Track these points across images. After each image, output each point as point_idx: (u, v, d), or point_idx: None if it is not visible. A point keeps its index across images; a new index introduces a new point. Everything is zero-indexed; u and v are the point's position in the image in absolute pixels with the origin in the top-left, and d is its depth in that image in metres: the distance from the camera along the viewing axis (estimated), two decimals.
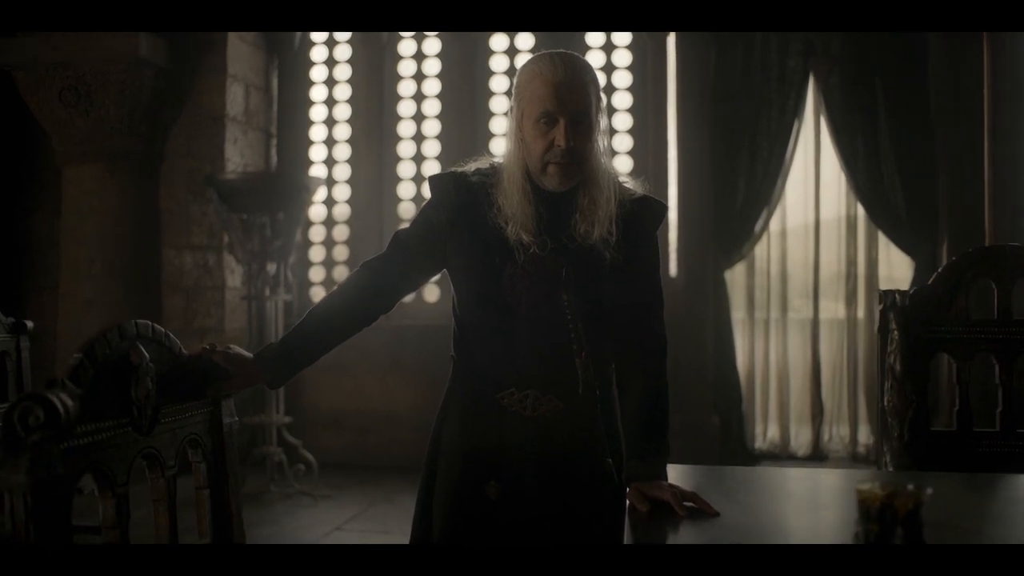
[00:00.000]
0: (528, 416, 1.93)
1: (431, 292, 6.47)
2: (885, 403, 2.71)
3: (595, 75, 1.94)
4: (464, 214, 1.95)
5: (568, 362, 1.89)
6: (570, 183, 1.91)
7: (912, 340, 2.68)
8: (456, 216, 1.96)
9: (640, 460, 1.88)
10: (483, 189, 1.95)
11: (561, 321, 1.89)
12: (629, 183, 2.02)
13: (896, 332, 2.69)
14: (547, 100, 1.86)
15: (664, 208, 2.04)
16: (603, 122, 1.94)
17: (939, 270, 2.74)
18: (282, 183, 5.62)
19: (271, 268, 5.56)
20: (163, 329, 1.64)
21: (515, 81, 1.94)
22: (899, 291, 2.73)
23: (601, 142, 1.94)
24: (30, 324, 3.36)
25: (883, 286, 6.09)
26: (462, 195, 1.96)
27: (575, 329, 1.88)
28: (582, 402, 1.91)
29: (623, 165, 6.13)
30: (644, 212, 1.99)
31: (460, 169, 2.01)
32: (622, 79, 6.24)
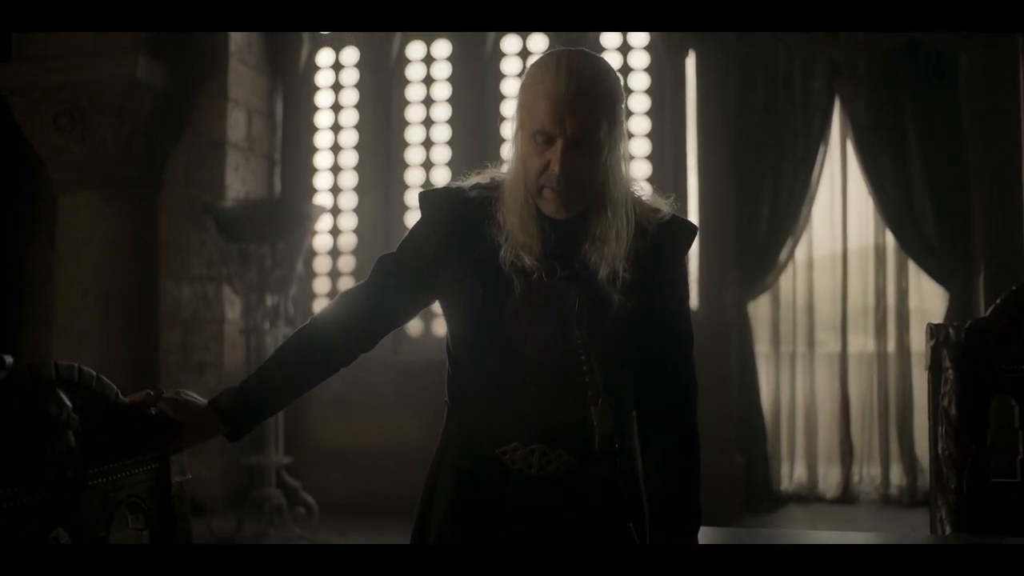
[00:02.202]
0: (534, 475, 1.63)
1: (441, 325, 6.21)
2: (940, 451, 2.42)
3: (613, 83, 1.62)
4: (459, 236, 1.67)
5: (582, 411, 1.59)
6: (570, 211, 1.64)
7: (969, 380, 2.38)
8: (450, 238, 1.68)
9: (666, 529, 1.59)
10: (482, 207, 1.67)
11: (574, 362, 1.60)
12: (653, 201, 1.73)
13: (951, 371, 2.40)
14: (543, 115, 1.58)
15: (693, 230, 1.76)
16: (620, 141, 1.65)
17: (998, 300, 2.44)
18: (282, 211, 5.42)
19: (271, 300, 5.31)
20: (93, 372, 1.38)
21: (521, 81, 1.67)
22: (952, 324, 2.44)
23: (618, 164, 1.65)
24: (9, 359, 3.14)
25: (915, 318, 5.86)
26: (457, 214, 1.68)
27: (590, 372, 1.58)
28: (598, 458, 1.61)
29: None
30: (671, 237, 1.70)
31: (456, 184, 1.74)
32: (639, 103, 6.01)
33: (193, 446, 1.57)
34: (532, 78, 1.62)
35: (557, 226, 1.65)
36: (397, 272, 1.72)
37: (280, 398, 1.67)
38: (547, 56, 1.64)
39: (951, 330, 2.41)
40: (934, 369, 2.44)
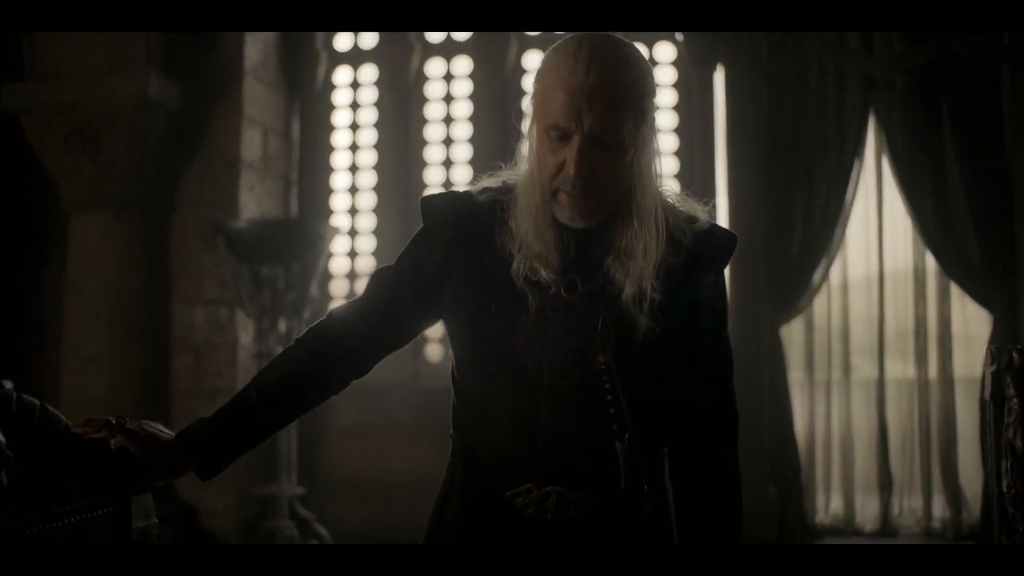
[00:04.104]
0: (550, 520, 1.43)
1: None
2: (1004, 489, 2.20)
3: (642, 73, 1.42)
4: (465, 245, 1.48)
5: (606, 447, 1.38)
6: (587, 219, 1.44)
7: None
8: (454, 247, 1.48)
9: None
10: (492, 212, 1.48)
11: (597, 391, 1.39)
12: (688, 208, 1.52)
13: (1016, 399, 2.18)
14: (559, 108, 1.39)
15: (733, 240, 1.55)
16: (649, 140, 1.45)
17: None
18: (295, 231, 5.29)
19: (284, 324, 5.15)
20: (35, 400, 1.19)
21: (538, 67, 1.47)
22: (1016, 348, 2.22)
23: (647, 167, 1.44)
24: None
25: (957, 342, 5.61)
26: (463, 221, 1.49)
27: (616, 402, 1.37)
28: (625, 501, 1.40)
29: None
30: (708, 250, 1.50)
31: (464, 189, 1.54)
32: (665, 119, 5.83)
33: (158, 484, 1.37)
34: (548, 64, 1.43)
35: (577, 235, 1.45)
36: (395, 287, 1.53)
37: (258, 433, 1.48)
38: (567, 40, 1.44)
39: (1015, 354, 2.20)
40: (996, 397, 2.23)
